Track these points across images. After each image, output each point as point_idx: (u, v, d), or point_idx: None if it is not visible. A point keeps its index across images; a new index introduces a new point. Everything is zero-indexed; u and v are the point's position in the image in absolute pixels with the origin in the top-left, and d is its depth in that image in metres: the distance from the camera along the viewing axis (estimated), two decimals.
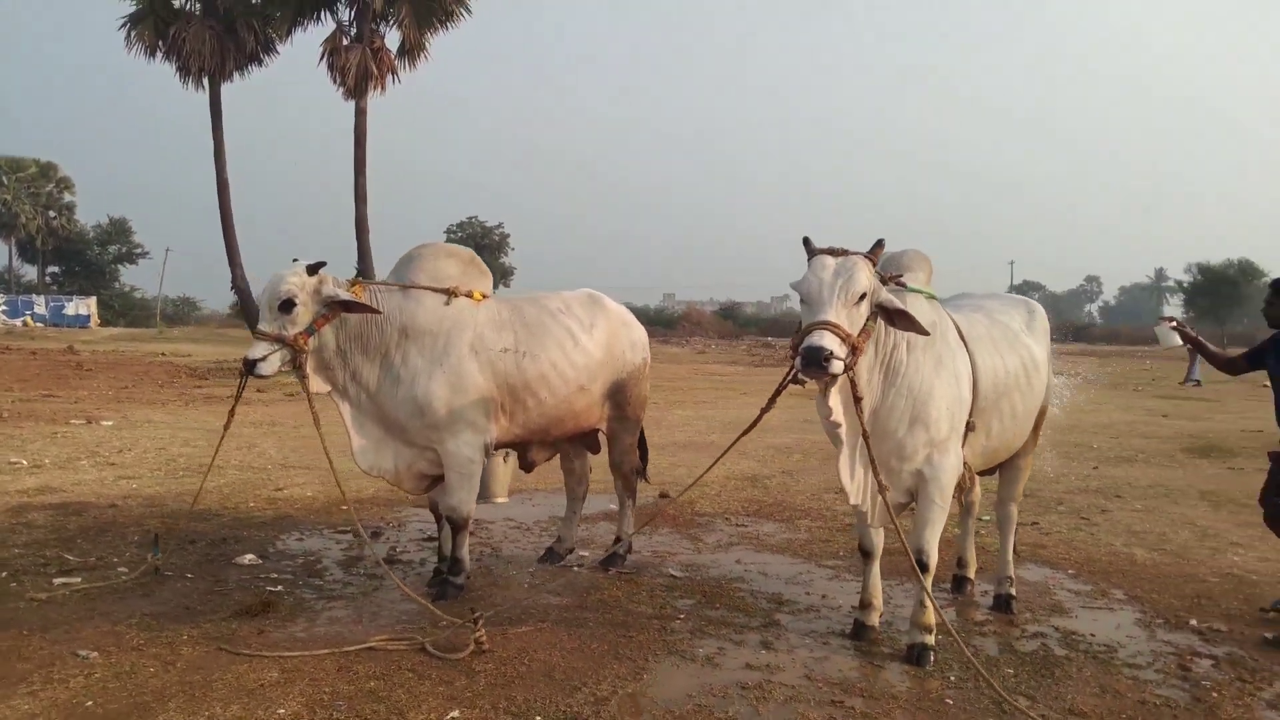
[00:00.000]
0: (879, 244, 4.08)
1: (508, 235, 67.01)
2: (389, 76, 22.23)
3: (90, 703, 3.74)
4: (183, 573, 5.60)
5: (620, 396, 5.70)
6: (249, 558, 5.97)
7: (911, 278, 4.44)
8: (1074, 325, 75.85)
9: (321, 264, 4.80)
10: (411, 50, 22.31)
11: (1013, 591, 5.28)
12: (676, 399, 18.24)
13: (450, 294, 5.07)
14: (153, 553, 5.54)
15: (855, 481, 4.33)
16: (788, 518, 7.68)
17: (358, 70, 21.19)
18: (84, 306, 56.12)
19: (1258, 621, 5.14)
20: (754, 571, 5.91)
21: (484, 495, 7.53)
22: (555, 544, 6.05)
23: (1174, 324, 5.60)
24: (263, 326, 4.73)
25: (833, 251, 4.00)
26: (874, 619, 4.73)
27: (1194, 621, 5.10)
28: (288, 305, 4.69)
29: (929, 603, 4.42)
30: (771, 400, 4.39)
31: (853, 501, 4.38)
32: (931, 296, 4.51)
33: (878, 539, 4.74)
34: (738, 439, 4.77)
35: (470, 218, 66.30)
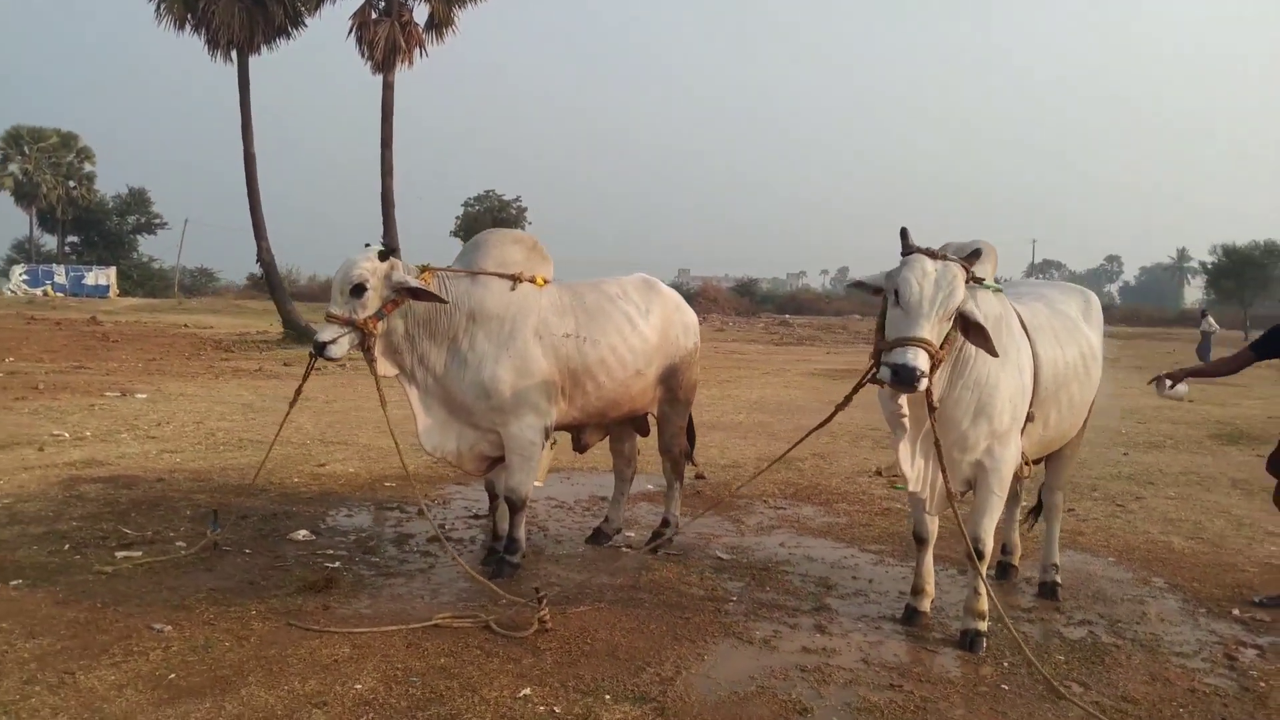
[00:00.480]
0: (976, 253, 4.14)
1: (525, 209, 66.82)
2: (416, 50, 22.25)
3: (173, 675, 3.86)
4: (240, 548, 5.73)
5: (672, 380, 5.78)
6: (303, 533, 6.10)
7: (981, 269, 4.46)
8: None
9: (394, 249, 4.89)
10: (440, 24, 22.29)
11: (1058, 579, 5.35)
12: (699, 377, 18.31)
13: (516, 279, 5.15)
14: (211, 527, 5.66)
15: (916, 470, 4.41)
16: (825, 501, 7.76)
17: (386, 44, 21.20)
18: (104, 276, 56.39)
19: None
20: (799, 555, 6.00)
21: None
22: (603, 524, 6.16)
23: (1166, 380, 5.55)
24: (333, 309, 4.83)
25: (931, 254, 4.03)
26: (926, 605, 4.82)
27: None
28: (359, 289, 4.78)
29: (983, 590, 4.51)
30: (846, 400, 4.47)
31: (913, 489, 4.45)
32: (998, 290, 4.55)
33: (933, 526, 4.81)
34: (807, 435, 4.95)
35: (488, 191, 66.13)
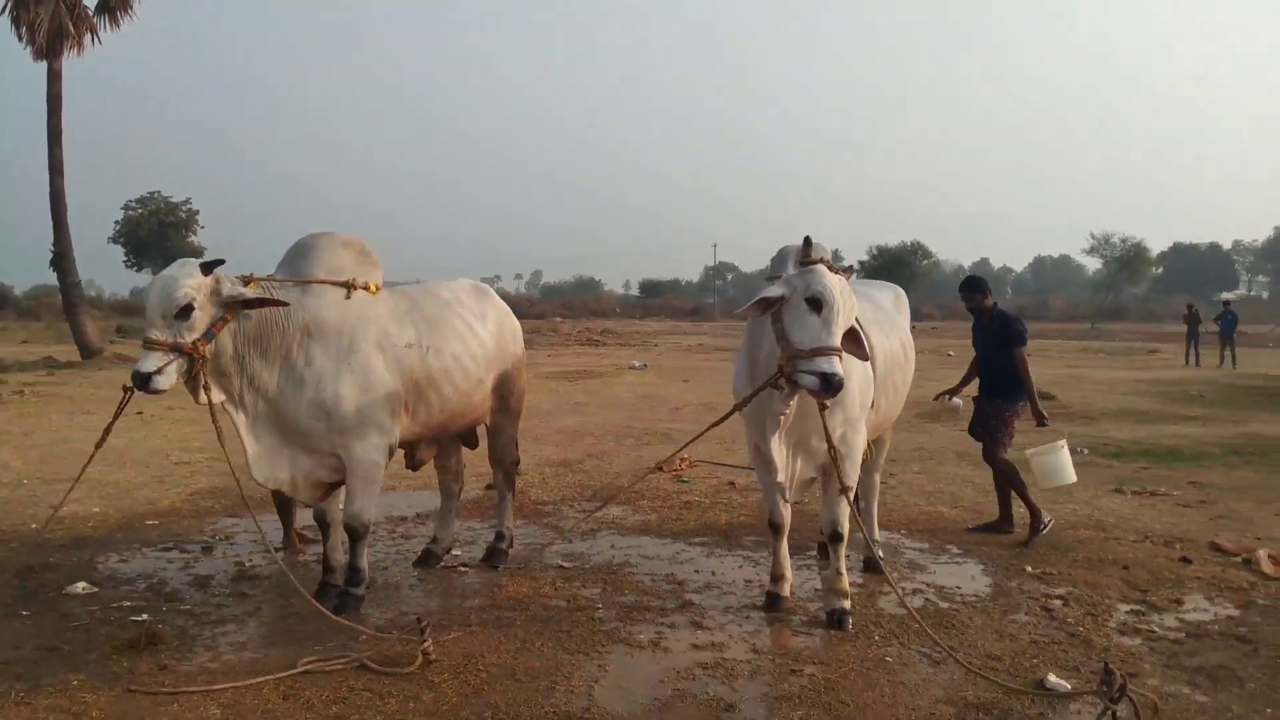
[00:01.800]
0: (850, 269, 4.41)
1: (197, 212, 61.59)
2: (87, 36, 19.81)
3: None
4: (13, 610, 4.87)
5: (505, 389, 5.60)
6: (81, 586, 5.30)
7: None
8: None
9: (219, 261, 4.34)
10: (114, 8, 19.96)
11: (880, 554, 5.77)
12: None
13: (350, 287, 4.75)
14: None
15: (782, 461, 4.58)
16: (625, 500, 7.84)
17: (50, 27, 18.67)
18: None
19: (1079, 563, 5.95)
20: (634, 555, 6.04)
21: None
22: (431, 544, 5.85)
23: (948, 395, 6.78)
24: (154, 334, 4.20)
25: (830, 266, 4.23)
26: (786, 590, 5.02)
27: (1029, 568, 5.84)
28: (186, 311, 4.20)
29: (844, 570, 4.78)
30: (746, 400, 4.52)
31: (780, 479, 4.62)
32: None
33: (787, 514, 5.01)
34: (706, 430, 5.06)
35: (153, 192, 60.35)
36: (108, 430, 4.77)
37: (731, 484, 8.53)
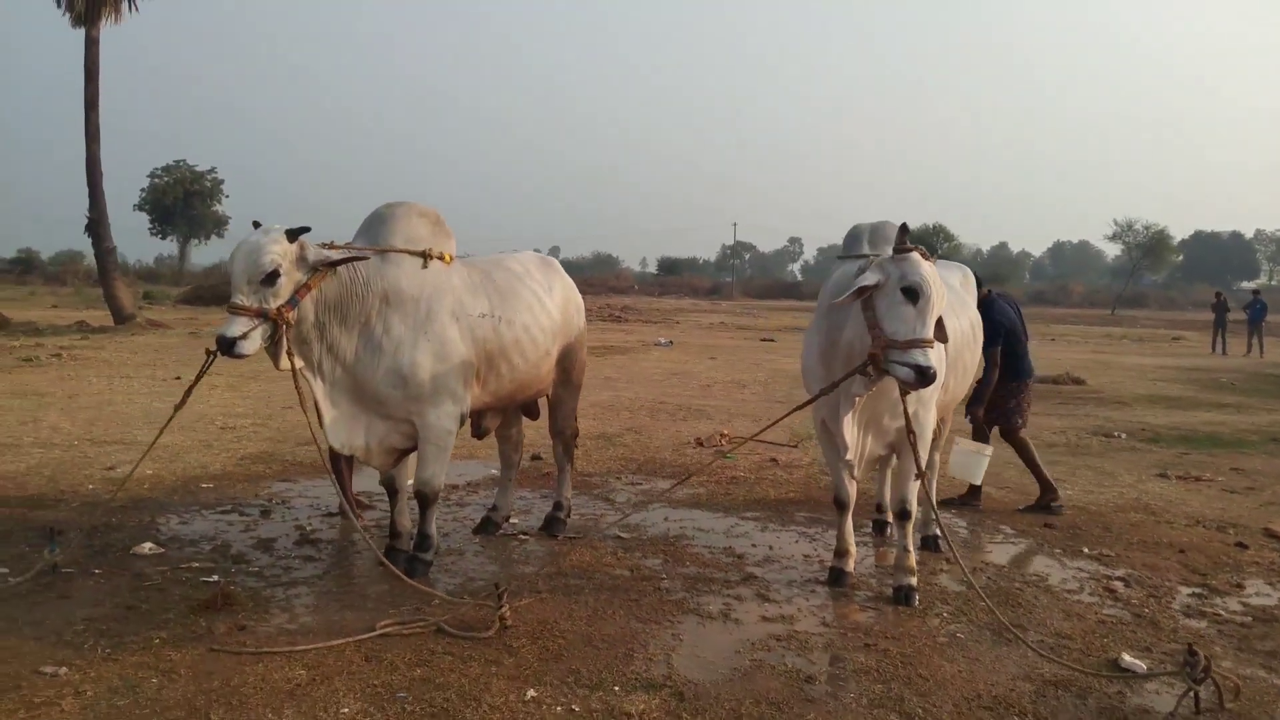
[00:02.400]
0: (936, 252, 4.36)
1: (222, 181, 61.95)
2: (125, 4, 19.80)
3: None
4: (84, 569, 4.93)
5: (568, 361, 5.62)
6: (148, 546, 5.35)
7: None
8: (783, 283, 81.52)
9: (305, 229, 4.35)
10: None
11: (939, 531, 5.77)
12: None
13: (426, 257, 4.76)
14: (49, 549, 4.82)
15: (853, 439, 4.58)
16: (670, 474, 7.87)
17: None
18: None
19: (1134, 545, 5.95)
20: (690, 528, 6.06)
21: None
22: (491, 513, 5.89)
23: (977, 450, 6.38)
24: (239, 300, 4.22)
25: (924, 254, 4.20)
26: (850, 565, 5.03)
27: (1085, 549, 5.84)
28: (272, 277, 4.22)
29: (913, 548, 4.80)
30: (833, 386, 4.49)
31: (849, 457, 4.62)
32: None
33: (853, 491, 5.02)
34: (787, 415, 5.14)
35: (179, 160, 60.58)
36: (188, 393, 4.79)
37: (774, 460, 8.52)
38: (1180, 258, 76.51)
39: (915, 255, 4.21)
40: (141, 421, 9.60)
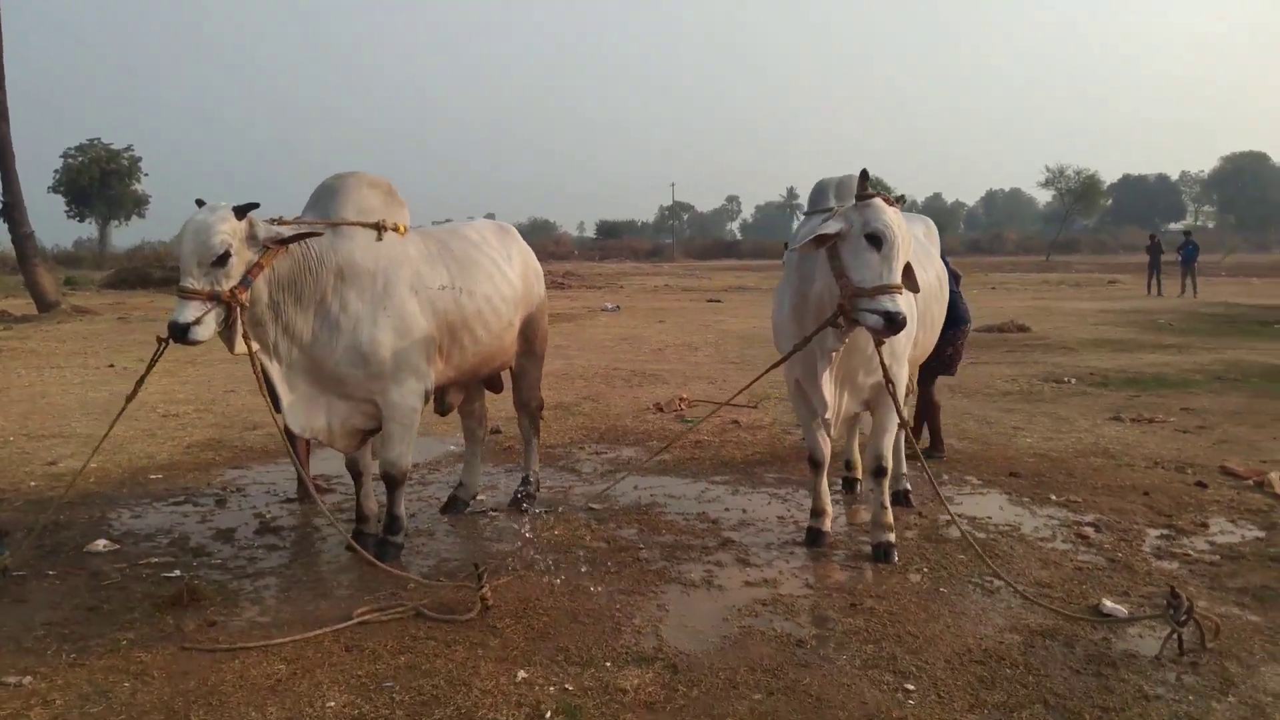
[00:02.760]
0: (901, 198, 4.28)
1: (139, 159, 59.87)
2: None
3: None
4: (39, 571, 4.72)
5: (530, 330, 5.49)
6: (102, 543, 5.14)
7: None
8: (724, 242, 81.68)
9: (253, 205, 4.13)
10: None
11: (908, 486, 5.79)
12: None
13: (380, 228, 4.57)
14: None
15: (831, 398, 4.53)
16: (634, 441, 7.81)
17: None
18: None
19: (1099, 490, 6.03)
20: (660, 495, 6.00)
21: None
22: (458, 490, 5.76)
23: None
24: (188, 283, 3.99)
25: (886, 199, 4.12)
26: (827, 524, 5.01)
27: (1053, 496, 5.90)
28: (224, 258, 4.01)
29: (888, 504, 4.78)
30: (806, 340, 4.40)
31: (827, 415, 4.58)
32: None
33: (828, 450, 4.98)
34: (767, 371, 4.93)
35: (93, 139, 58.43)
36: (140, 383, 4.60)
37: (735, 422, 8.49)
38: (1109, 202, 78.10)
39: (878, 201, 4.15)
40: (79, 413, 9.25)
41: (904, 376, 4.79)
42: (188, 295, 3.98)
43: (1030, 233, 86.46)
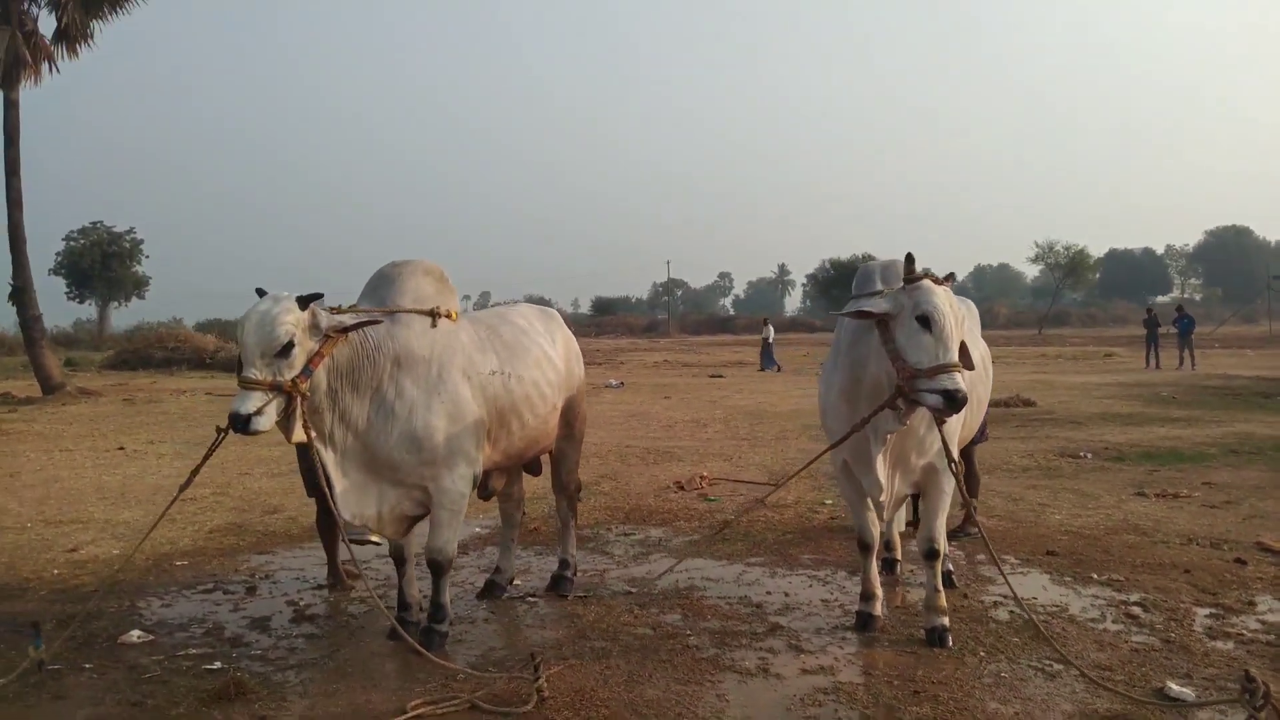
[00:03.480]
0: (951, 276, 4.33)
1: (141, 241, 60.35)
2: (45, 65, 19.23)
3: None
4: (74, 664, 4.61)
5: (571, 413, 5.49)
6: (136, 634, 5.04)
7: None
8: (718, 317, 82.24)
9: (316, 295, 4.15)
10: (73, 37, 19.37)
11: (950, 567, 5.73)
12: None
13: (435, 315, 4.60)
14: (34, 644, 4.50)
15: (885, 479, 4.52)
16: (660, 521, 7.75)
17: (7, 57, 18.02)
18: None
19: (1140, 568, 5.98)
20: (698, 578, 5.92)
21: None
22: (495, 575, 5.68)
23: None
24: (253, 374, 3.98)
25: (935, 280, 4.18)
26: (878, 609, 4.94)
27: (1095, 575, 5.85)
28: (288, 349, 4.02)
29: (942, 587, 4.74)
30: (864, 421, 4.40)
31: (881, 499, 4.55)
32: None
33: (877, 533, 4.95)
34: (826, 451, 4.89)
35: (95, 222, 58.97)
36: (195, 471, 4.53)
37: (759, 501, 8.42)
38: (1098, 276, 79.06)
39: (926, 283, 4.20)
40: (94, 497, 9.16)
41: (955, 451, 4.78)
42: (250, 386, 3.96)
43: (1020, 307, 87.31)
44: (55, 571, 6.47)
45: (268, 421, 3.98)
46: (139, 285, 60.34)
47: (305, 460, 5.01)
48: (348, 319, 4.20)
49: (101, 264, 57.17)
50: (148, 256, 60.62)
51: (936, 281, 4.23)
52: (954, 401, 3.93)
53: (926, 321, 4.08)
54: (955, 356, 4.03)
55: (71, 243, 57.59)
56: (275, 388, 4.00)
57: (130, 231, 59.66)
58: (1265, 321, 57.84)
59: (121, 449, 12.60)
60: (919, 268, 4.28)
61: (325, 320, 4.15)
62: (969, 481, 6.77)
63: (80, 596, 5.87)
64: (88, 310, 61.19)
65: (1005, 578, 4.57)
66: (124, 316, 62.89)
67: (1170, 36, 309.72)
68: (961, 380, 3.97)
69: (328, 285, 4.43)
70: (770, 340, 30.44)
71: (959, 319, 4.16)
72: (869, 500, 4.76)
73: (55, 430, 14.80)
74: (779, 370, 28.61)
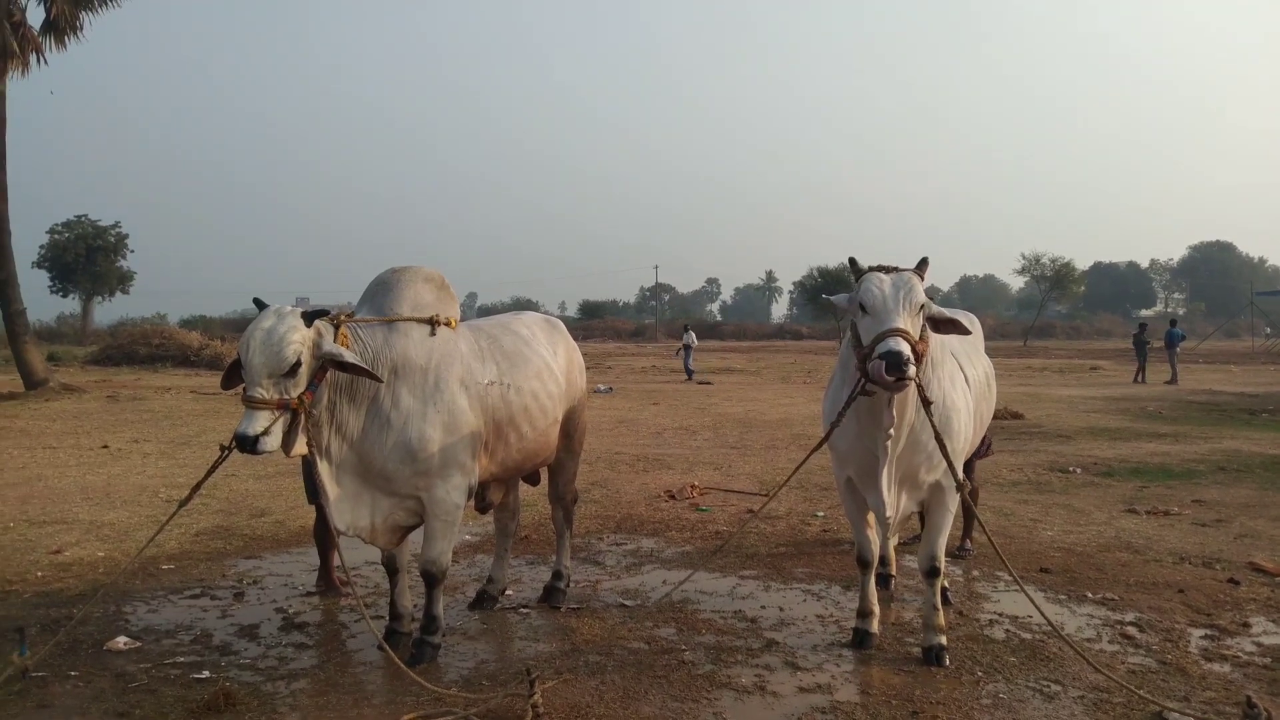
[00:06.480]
0: (925, 261, 4.30)
1: (126, 235, 59.90)
2: (33, 56, 19.01)
3: None
4: (59, 671, 4.53)
5: (571, 425, 5.43)
6: (123, 641, 4.96)
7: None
8: (706, 323, 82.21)
9: (322, 311, 4.08)
10: (62, 28, 19.16)
11: (947, 584, 5.70)
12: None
13: (433, 323, 4.54)
14: (19, 651, 4.42)
15: (891, 496, 4.48)
16: (651, 531, 7.70)
17: None
18: None
19: (1133, 587, 5.97)
20: (692, 592, 5.87)
21: None
22: (487, 585, 5.62)
23: None
24: (259, 394, 3.90)
25: (884, 269, 4.19)
26: (875, 626, 4.91)
27: (1089, 594, 5.83)
28: (295, 369, 3.95)
29: (940, 605, 4.71)
30: (841, 414, 4.41)
31: (888, 515, 4.52)
32: None
33: (876, 549, 4.92)
34: (812, 452, 5.02)
35: (80, 216, 58.44)
36: (196, 488, 4.50)
37: (751, 511, 8.40)
38: (1083, 288, 79.45)
39: (868, 274, 4.25)
40: (78, 497, 9.04)
41: (960, 470, 4.76)
42: (257, 405, 3.89)
43: (1005, 318, 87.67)
44: (39, 574, 6.37)
45: (275, 441, 3.92)
46: (123, 280, 59.87)
47: (308, 467, 4.95)
48: (348, 356, 4.09)
49: (86, 258, 56.68)
50: (133, 251, 60.17)
51: (884, 270, 4.25)
52: (896, 364, 3.84)
53: (863, 307, 4.14)
54: (896, 323, 3.99)
55: (56, 235, 57.05)
56: (282, 406, 3.92)
57: (116, 225, 59.20)
58: (1248, 337, 58.36)
59: (106, 447, 12.47)
60: (863, 264, 4.38)
61: (327, 344, 4.07)
62: (974, 497, 6.77)
63: (65, 600, 5.79)
64: (71, 304, 60.63)
65: (1030, 598, 4.59)
66: (107, 311, 62.41)
67: (1157, 52, 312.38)
68: (900, 344, 3.89)
69: (320, 284, 4.41)
70: (692, 346, 29.24)
71: (901, 295, 4.09)
72: (869, 517, 4.73)
73: (38, 427, 14.63)
74: (690, 378, 27.62)
